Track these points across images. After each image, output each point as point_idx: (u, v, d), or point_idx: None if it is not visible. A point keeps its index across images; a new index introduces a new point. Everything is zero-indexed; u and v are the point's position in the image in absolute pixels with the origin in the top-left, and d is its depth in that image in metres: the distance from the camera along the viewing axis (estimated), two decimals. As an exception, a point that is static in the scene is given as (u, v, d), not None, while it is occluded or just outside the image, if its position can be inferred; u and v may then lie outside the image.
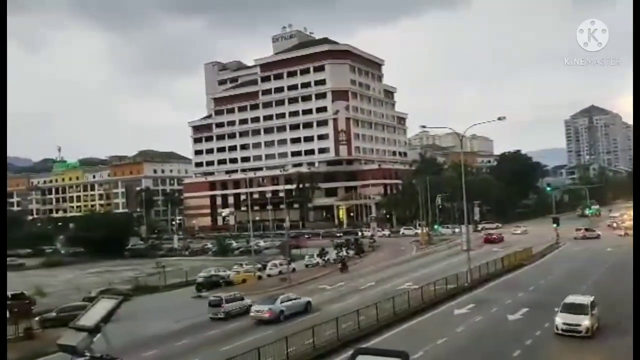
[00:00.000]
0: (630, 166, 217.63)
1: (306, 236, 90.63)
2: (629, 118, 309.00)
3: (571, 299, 25.51)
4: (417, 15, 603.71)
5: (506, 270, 43.88)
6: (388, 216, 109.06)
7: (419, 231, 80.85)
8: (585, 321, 23.57)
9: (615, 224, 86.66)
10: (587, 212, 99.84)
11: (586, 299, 25.27)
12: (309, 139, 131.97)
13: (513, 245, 60.96)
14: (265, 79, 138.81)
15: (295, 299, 32.43)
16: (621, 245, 58.70)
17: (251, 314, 31.01)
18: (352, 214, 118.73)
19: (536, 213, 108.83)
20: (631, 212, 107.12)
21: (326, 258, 58.50)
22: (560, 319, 23.92)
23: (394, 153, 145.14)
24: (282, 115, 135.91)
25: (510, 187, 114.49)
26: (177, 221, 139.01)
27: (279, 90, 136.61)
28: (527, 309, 29.36)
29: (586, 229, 74.70)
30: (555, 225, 67.06)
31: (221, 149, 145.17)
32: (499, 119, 43.65)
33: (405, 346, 21.24)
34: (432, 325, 27.70)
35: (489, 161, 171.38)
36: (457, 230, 79.76)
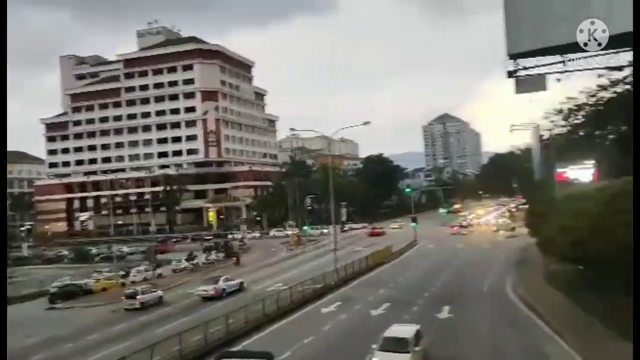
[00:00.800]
0: (478, 170, 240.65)
1: (173, 240, 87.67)
2: (476, 125, 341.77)
3: (393, 331, 20.32)
4: (286, 20, 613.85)
5: (369, 269, 46.14)
6: (258, 218, 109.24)
7: (288, 232, 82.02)
8: None
9: (464, 222, 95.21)
10: (440, 211, 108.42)
11: (410, 331, 20.05)
12: (176, 140, 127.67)
13: (380, 243, 64.23)
14: (129, 76, 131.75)
15: (232, 280, 39.81)
16: (471, 243, 64.85)
17: (196, 293, 37.59)
18: (222, 217, 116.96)
19: (397, 213, 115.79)
20: (479, 211, 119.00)
21: (195, 262, 57.07)
22: None
23: (265, 155, 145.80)
24: (147, 114, 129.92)
25: (374, 188, 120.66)
26: (27, 227, 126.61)
27: (144, 88, 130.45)
28: (389, 304, 31.15)
29: (461, 226, 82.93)
30: (413, 224, 71.97)
31: (79, 149, 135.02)
32: (365, 123, 46.01)
33: (274, 347, 21.50)
34: (300, 325, 28.24)
35: (355, 164, 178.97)
36: (325, 230, 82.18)
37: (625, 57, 37.89)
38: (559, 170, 40.14)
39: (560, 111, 43.05)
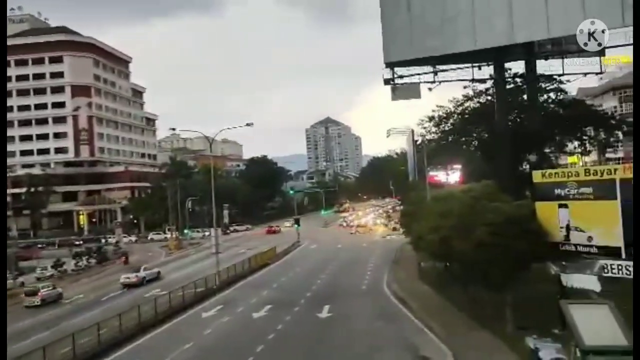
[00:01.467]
0: (358, 173, 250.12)
1: (39, 246, 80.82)
2: (356, 130, 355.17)
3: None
4: (168, 16, 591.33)
5: (253, 270, 46.02)
6: (135, 221, 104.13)
7: (168, 236, 79.20)
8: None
9: (345, 223, 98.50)
10: (322, 213, 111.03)
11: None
12: (43, 137, 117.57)
13: (264, 245, 64.16)
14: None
15: (151, 270, 45.71)
16: (351, 243, 67.13)
17: (121, 280, 42.19)
18: (94, 220, 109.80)
19: (281, 214, 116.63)
20: (359, 213, 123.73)
21: (62, 269, 53.08)
22: None
23: (143, 155, 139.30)
24: (9, 109, 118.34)
25: (258, 190, 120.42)
26: None
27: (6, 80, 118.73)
28: (271, 305, 31.25)
29: (359, 225, 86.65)
30: (296, 226, 73.04)
31: None
32: (247, 124, 45.83)
33: (151, 355, 20.65)
34: (180, 330, 27.39)
35: (239, 165, 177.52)
36: (207, 233, 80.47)
37: (488, 70, 41.62)
38: (430, 173, 43.01)
39: (431, 118, 46.07)
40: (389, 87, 41.29)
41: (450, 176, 42.89)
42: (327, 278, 41.52)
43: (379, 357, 20.98)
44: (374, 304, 30.88)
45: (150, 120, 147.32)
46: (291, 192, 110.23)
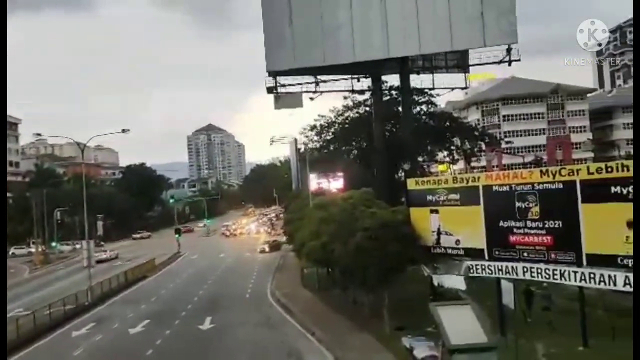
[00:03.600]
0: (241, 181, 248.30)
1: None
2: (240, 137, 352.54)
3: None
4: (36, 11, 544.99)
5: (130, 284, 43.71)
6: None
7: (33, 250, 72.74)
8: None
9: (228, 232, 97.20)
10: (206, 222, 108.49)
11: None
12: None
13: (143, 255, 61.13)
14: None
15: None
16: (234, 251, 66.41)
17: None
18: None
19: (161, 224, 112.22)
20: (242, 221, 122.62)
21: None
22: None
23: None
24: None
25: (136, 199, 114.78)
26: None
27: None
28: (148, 320, 29.84)
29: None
30: (177, 235, 70.68)
31: None
32: (123, 131, 43.43)
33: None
34: (45, 353, 25.24)
35: (114, 173, 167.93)
36: (78, 246, 74.99)
37: (367, 82, 43.51)
38: (313, 180, 43.90)
39: (313, 127, 47.13)
40: (271, 96, 41.63)
41: (332, 184, 44.13)
42: (210, 288, 40.61)
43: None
44: (258, 312, 30.73)
45: (12, 124, 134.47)
46: (172, 200, 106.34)
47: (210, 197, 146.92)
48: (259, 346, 23.45)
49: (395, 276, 22.42)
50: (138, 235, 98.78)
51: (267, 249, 62.29)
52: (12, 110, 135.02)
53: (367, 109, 45.00)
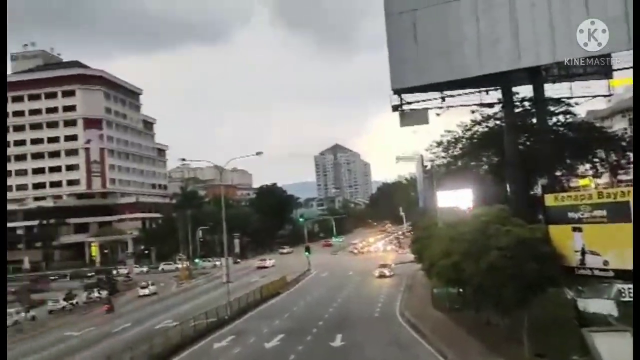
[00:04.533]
0: (367, 199, 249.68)
1: (50, 278, 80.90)
2: (365, 156, 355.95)
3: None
4: (174, 48, 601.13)
5: (264, 300, 45.64)
6: (147, 252, 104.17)
7: (179, 266, 79.10)
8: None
9: (355, 250, 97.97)
10: (333, 240, 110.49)
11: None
12: (55, 170, 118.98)
13: (275, 272, 63.79)
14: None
15: None
16: (362, 270, 66.53)
17: None
18: (106, 251, 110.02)
19: (291, 242, 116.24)
20: (370, 239, 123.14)
21: (74, 301, 53.01)
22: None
23: (154, 186, 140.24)
24: (22, 143, 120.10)
25: (268, 218, 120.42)
26: None
27: (19, 114, 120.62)
28: (283, 335, 30.90)
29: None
30: (307, 253, 72.66)
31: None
32: (257, 153, 46.08)
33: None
34: (191, 362, 27.15)
35: (248, 194, 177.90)
36: (218, 263, 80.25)
37: (496, 94, 41.72)
38: (441, 197, 42.80)
39: (440, 143, 46.09)
40: (396, 114, 41.47)
41: (461, 201, 42.66)
42: (339, 306, 41.10)
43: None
44: (387, 331, 30.44)
45: (161, 151, 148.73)
46: (301, 219, 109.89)
47: (338, 215, 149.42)
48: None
49: (533, 297, 21.00)
50: (285, 250, 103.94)
51: (386, 273, 56.08)
52: (160, 138, 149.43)
53: (498, 122, 43.03)
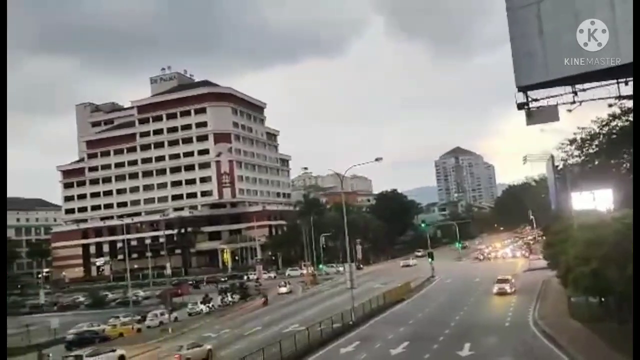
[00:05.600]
0: (492, 203, 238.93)
1: (189, 283, 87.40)
2: (489, 158, 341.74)
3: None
4: (293, 62, 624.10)
5: (388, 306, 45.42)
6: (274, 258, 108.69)
7: (304, 271, 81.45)
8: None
9: (481, 256, 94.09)
10: (456, 245, 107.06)
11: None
12: (190, 182, 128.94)
13: (396, 280, 63.41)
14: (144, 121, 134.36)
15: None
16: (489, 276, 63.67)
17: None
18: (237, 257, 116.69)
19: (413, 248, 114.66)
20: (496, 244, 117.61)
21: (210, 305, 56.75)
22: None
23: (278, 194, 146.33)
24: (161, 158, 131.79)
25: (389, 224, 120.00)
26: (44, 274, 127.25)
27: (158, 132, 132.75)
28: (408, 342, 30.50)
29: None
30: (430, 259, 71.14)
31: (95, 194, 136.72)
32: (377, 159, 46.09)
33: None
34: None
35: (369, 200, 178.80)
36: (340, 269, 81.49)
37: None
38: (576, 199, 39.74)
39: (573, 141, 42.96)
40: (521, 112, 39.32)
41: (599, 202, 39.31)
42: (466, 314, 39.68)
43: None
44: (519, 342, 28.80)
45: (284, 161, 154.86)
46: (423, 225, 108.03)
47: (461, 220, 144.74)
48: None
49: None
50: (419, 254, 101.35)
51: (507, 290, 46.50)
52: (283, 149, 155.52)
53: (639, 115, 39.15)
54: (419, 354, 27.46)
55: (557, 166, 46.80)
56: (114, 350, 33.75)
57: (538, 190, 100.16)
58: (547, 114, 40.05)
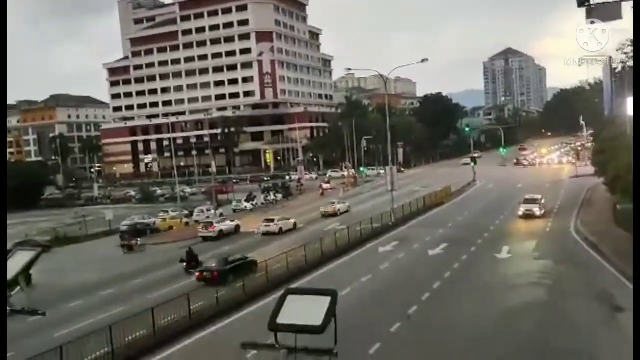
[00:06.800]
0: (541, 107, 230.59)
1: (233, 181, 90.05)
2: (540, 60, 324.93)
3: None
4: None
5: (427, 209, 45.89)
6: (315, 159, 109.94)
7: (345, 174, 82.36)
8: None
9: (526, 162, 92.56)
10: (501, 151, 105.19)
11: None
12: (233, 82, 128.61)
13: (437, 183, 63.50)
14: (185, 18, 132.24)
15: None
16: (532, 182, 62.88)
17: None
18: (279, 158, 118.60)
19: (456, 153, 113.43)
20: (543, 150, 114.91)
21: (254, 202, 58.63)
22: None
23: (320, 96, 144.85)
24: (204, 57, 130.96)
25: (432, 128, 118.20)
26: (97, 169, 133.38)
27: (200, 30, 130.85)
28: (446, 244, 31.05)
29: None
30: (472, 164, 70.42)
31: (140, 93, 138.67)
32: (422, 61, 44.55)
33: (334, 284, 22.02)
34: (358, 263, 28.78)
35: (412, 103, 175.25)
36: (382, 171, 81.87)
37: None
38: (633, 104, 37.70)
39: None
40: (581, 11, 36.48)
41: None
42: (506, 218, 39.73)
43: (562, 305, 19.72)
44: (560, 248, 28.91)
45: (327, 62, 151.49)
46: (467, 129, 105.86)
47: (507, 125, 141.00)
48: (561, 283, 22.17)
49: None
50: (476, 155, 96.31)
51: (536, 212, 38.40)
52: (325, 49, 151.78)
53: None
54: (456, 255, 28.00)
55: (615, 69, 44.17)
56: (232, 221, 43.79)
57: (592, 95, 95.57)
58: (610, 11, 37.03)
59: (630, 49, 41.48)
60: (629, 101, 37.01)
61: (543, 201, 40.37)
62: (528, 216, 38.05)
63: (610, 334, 16.30)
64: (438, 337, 17.08)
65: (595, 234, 30.42)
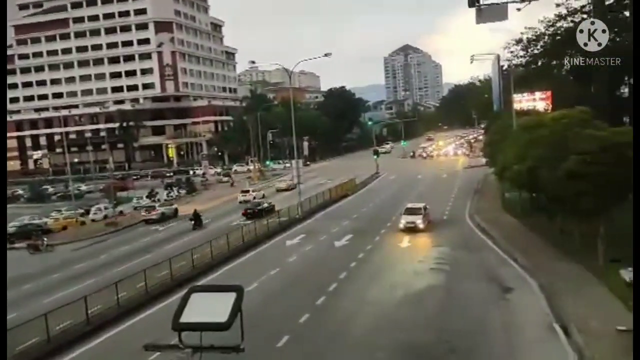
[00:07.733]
0: (437, 102, 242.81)
1: (133, 177, 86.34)
2: (436, 57, 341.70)
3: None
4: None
5: (333, 201, 46.80)
6: (220, 154, 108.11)
7: (251, 167, 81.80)
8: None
9: (424, 154, 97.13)
10: (402, 144, 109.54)
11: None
12: (131, 74, 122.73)
13: (349, 173, 64.84)
14: (77, 5, 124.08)
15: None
16: (430, 173, 66.16)
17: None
18: (182, 153, 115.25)
19: (360, 146, 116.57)
20: (440, 143, 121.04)
21: (156, 199, 56.66)
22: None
23: (224, 89, 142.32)
24: (98, 47, 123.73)
25: (337, 122, 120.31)
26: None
27: (94, 18, 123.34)
28: (352, 235, 31.90)
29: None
30: (375, 157, 72.73)
31: (27, 84, 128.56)
32: (326, 55, 45.16)
33: (240, 279, 21.82)
34: (265, 257, 28.79)
35: (317, 97, 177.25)
36: (287, 165, 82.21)
37: (586, -15, 37.74)
38: (517, 99, 40.80)
39: (519, 41, 43.15)
40: (471, 12, 38.74)
41: (539, 103, 40.57)
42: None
43: (458, 287, 21.03)
44: (456, 234, 30.67)
45: (230, 54, 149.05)
46: (370, 123, 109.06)
47: (407, 119, 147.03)
48: (458, 267, 23.57)
49: (615, 205, 20.22)
50: (388, 146, 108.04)
51: (419, 225, 31.28)
52: (228, 41, 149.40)
53: (584, 16, 39.40)
54: (361, 245, 28.85)
55: (502, 66, 47.33)
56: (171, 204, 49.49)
57: (482, 90, 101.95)
58: (497, 12, 39.58)
59: (515, 48, 44.71)
60: (515, 97, 40.06)
61: (428, 210, 33.53)
62: (409, 229, 31.08)
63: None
64: (344, 326, 17.51)
65: (487, 220, 32.72)
